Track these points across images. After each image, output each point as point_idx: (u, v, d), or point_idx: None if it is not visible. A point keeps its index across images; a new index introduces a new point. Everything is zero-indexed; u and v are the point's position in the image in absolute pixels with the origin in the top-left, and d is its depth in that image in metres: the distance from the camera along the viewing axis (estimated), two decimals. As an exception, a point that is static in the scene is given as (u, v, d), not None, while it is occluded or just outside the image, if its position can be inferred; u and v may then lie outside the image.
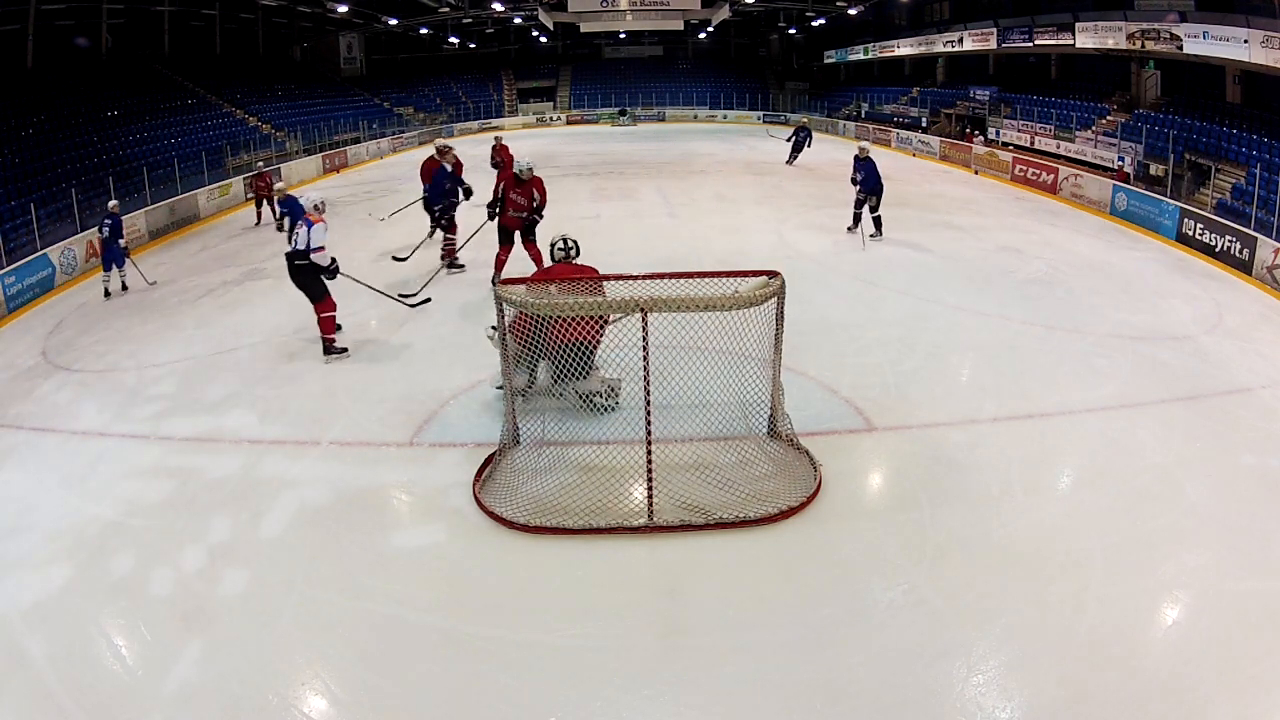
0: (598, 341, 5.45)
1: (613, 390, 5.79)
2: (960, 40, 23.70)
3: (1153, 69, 17.98)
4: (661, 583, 4.12)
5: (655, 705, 3.34)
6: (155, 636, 3.76)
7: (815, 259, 10.38)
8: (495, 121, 34.60)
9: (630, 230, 12.40)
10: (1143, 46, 16.34)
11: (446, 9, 30.31)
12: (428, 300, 8.68)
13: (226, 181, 17.05)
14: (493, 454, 5.17)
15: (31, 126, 15.74)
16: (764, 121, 33.83)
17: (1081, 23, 18.08)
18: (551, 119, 36.03)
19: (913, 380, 6.46)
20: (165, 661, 3.60)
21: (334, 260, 7.30)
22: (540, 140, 28.16)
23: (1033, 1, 20.83)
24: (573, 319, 5.12)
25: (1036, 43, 20.18)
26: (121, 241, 10.39)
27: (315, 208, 7.29)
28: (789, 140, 20.37)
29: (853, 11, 29.41)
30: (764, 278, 4.90)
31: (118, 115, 18.40)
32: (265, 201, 14.55)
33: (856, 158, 11.23)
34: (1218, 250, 10.84)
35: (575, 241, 6.27)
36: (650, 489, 4.53)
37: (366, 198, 16.92)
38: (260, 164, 15.69)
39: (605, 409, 5.70)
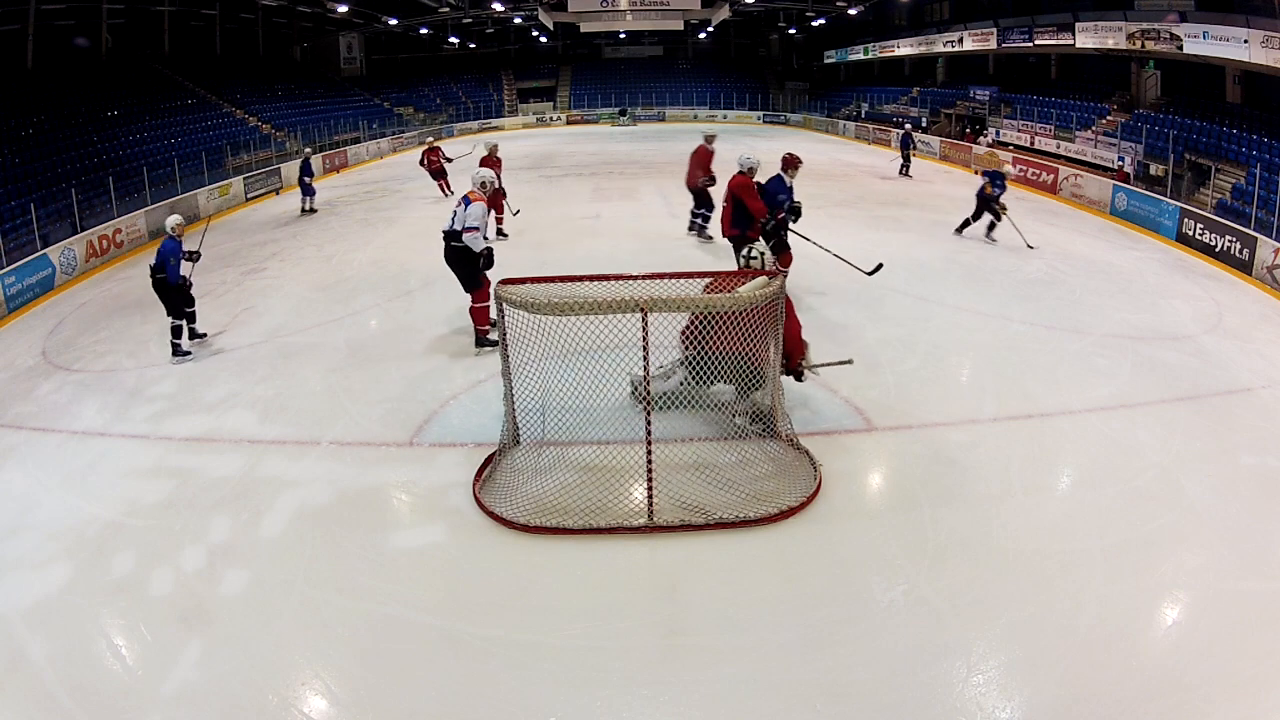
0: (751, 356, 5.00)
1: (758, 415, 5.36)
2: (960, 40, 23.71)
3: (1153, 69, 17.99)
4: (661, 583, 4.12)
5: (655, 705, 3.34)
6: (155, 636, 3.76)
7: (815, 259, 10.36)
8: (495, 121, 34.62)
9: (630, 230, 12.39)
10: (1143, 46, 16.35)
11: (446, 9, 30.33)
12: (880, 266, 8.03)
13: (226, 181, 17.06)
14: (493, 454, 5.17)
15: (31, 126, 15.75)
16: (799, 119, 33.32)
17: (1081, 23, 18.10)
18: (551, 119, 36.04)
19: (913, 380, 6.46)
20: (165, 661, 3.60)
21: (489, 248, 6.80)
22: (540, 140, 28.17)
23: (1033, 1, 20.85)
24: (734, 330, 4.83)
25: (1036, 43, 20.19)
26: (308, 179, 15.02)
27: (482, 185, 6.85)
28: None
29: (853, 11, 29.43)
30: (764, 278, 4.90)
31: (118, 115, 18.41)
32: (442, 175, 15.80)
33: (996, 174, 11.26)
34: (1218, 250, 10.85)
35: (763, 254, 5.83)
36: (650, 489, 4.52)
37: (367, 198, 16.91)
38: (429, 138, 16.23)
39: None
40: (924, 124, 24.76)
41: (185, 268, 7.44)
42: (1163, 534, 4.42)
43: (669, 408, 5.44)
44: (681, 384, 5.54)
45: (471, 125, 33.27)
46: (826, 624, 3.76)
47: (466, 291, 7.01)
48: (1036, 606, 3.83)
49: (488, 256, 6.83)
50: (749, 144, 25.99)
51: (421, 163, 16.05)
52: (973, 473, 5.05)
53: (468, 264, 6.79)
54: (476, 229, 6.63)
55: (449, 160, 16.03)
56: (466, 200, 6.73)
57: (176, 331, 7.41)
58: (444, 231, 6.85)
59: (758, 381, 5.22)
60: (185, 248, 7.50)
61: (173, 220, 7.54)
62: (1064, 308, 8.35)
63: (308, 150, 16.85)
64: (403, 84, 34.49)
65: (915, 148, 19.39)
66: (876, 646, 3.61)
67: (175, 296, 7.31)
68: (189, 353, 7.44)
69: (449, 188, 15.74)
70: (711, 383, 5.32)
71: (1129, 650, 3.56)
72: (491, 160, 11.77)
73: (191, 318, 7.61)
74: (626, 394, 4.82)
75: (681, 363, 5.47)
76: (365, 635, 3.74)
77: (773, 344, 5.06)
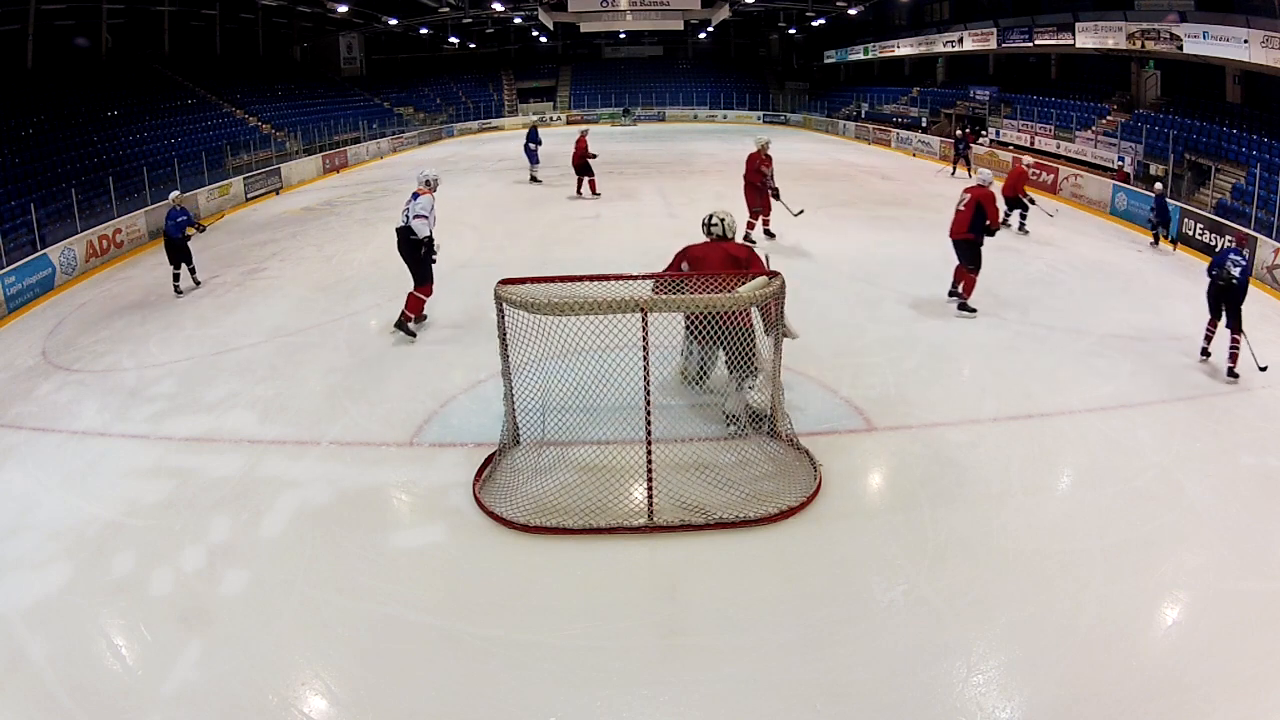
0: (738, 332, 5.03)
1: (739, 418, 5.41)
2: (960, 40, 23.71)
3: (1153, 69, 17.99)
4: (661, 583, 4.12)
5: (655, 705, 3.34)
6: (155, 636, 3.76)
7: (815, 259, 10.38)
8: (495, 121, 34.62)
9: (630, 230, 12.40)
10: (1143, 46, 16.35)
11: (446, 9, 30.32)
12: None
13: (226, 181, 17.06)
14: (493, 454, 5.17)
15: (31, 126, 15.75)
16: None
17: (1081, 23, 18.09)
18: (551, 119, 36.03)
19: (913, 380, 6.46)
20: (165, 661, 3.60)
21: (430, 237, 7.34)
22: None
23: (1033, 1, 20.84)
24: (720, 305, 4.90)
25: (1036, 43, 20.19)
26: (532, 146, 16.61)
27: (426, 182, 7.46)
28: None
29: (853, 11, 29.42)
30: (764, 278, 4.90)
31: (118, 115, 18.41)
32: (587, 171, 14.56)
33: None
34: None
35: (723, 219, 5.73)
36: (650, 489, 4.52)
37: (367, 198, 16.91)
38: (585, 129, 14.88)
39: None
40: (924, 124, 24.74)
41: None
42: (1163, 534, 4.42)
43: (700, 382, 5.71)
44: (702, 358, 5.66)
45: (471, 125, 33.28)
46: (826, 624, 3.76)
47: (415, 281, 7.51)
48: (1036, 606, 3.84)
49: (428, 244, 7.41)
50: (750, 144, 25.95)
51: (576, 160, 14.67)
52: (973, 473, 5.05)
53: (417, 256, 7.38)
54: (424, 217, 7.26)
55: (592, 156, 14.62)
56: (415, 194, 7.33)
57: (177, 277, 9.76)
58: (397, 229, 7.44)
59: (749, 350, 5.13)
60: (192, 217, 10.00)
61: (174, 194, 10.47)
62: (1064, 308, 8.35)
63: (534, 119, 17.22)
64: (403, 84, 34.48)
65: (969, 148, 19.16)
66: (876, 646, 3.61)
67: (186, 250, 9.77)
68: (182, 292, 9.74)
69: (595, 188, 14.69)
70: (712, 346, 5.38)
71: (1129, 650, 3.56)
72: (761, 157, 10.64)
73: (192, 270, 10.00)
74: (636, 391, 4.77)
75: (686, 333, 5.56)
76: (365, 635, 3.74)
77: (773, 344, 5.06)
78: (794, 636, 3.68)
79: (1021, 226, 12.11)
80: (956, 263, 8.16)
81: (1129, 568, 4.11)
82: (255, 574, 4.22)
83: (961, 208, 8.02)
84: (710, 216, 5.80)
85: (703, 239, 5.76)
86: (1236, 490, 4.86)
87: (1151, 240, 11.84)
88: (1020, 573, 4.09)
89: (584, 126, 15.22)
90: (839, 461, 5.11)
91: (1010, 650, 3.58)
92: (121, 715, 3.33)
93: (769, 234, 11.18)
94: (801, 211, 11.35)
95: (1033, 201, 12.10)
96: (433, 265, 7.55)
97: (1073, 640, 3.61)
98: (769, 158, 10.69)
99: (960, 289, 8.18)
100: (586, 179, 14.75)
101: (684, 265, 5.58)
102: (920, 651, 3.56)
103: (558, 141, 28.17)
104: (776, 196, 10.78)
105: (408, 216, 7.28)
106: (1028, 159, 12.82)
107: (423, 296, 7.58)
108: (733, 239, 5.82)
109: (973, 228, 7.88)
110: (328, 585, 4.10)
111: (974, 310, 8.01)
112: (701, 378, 5.82)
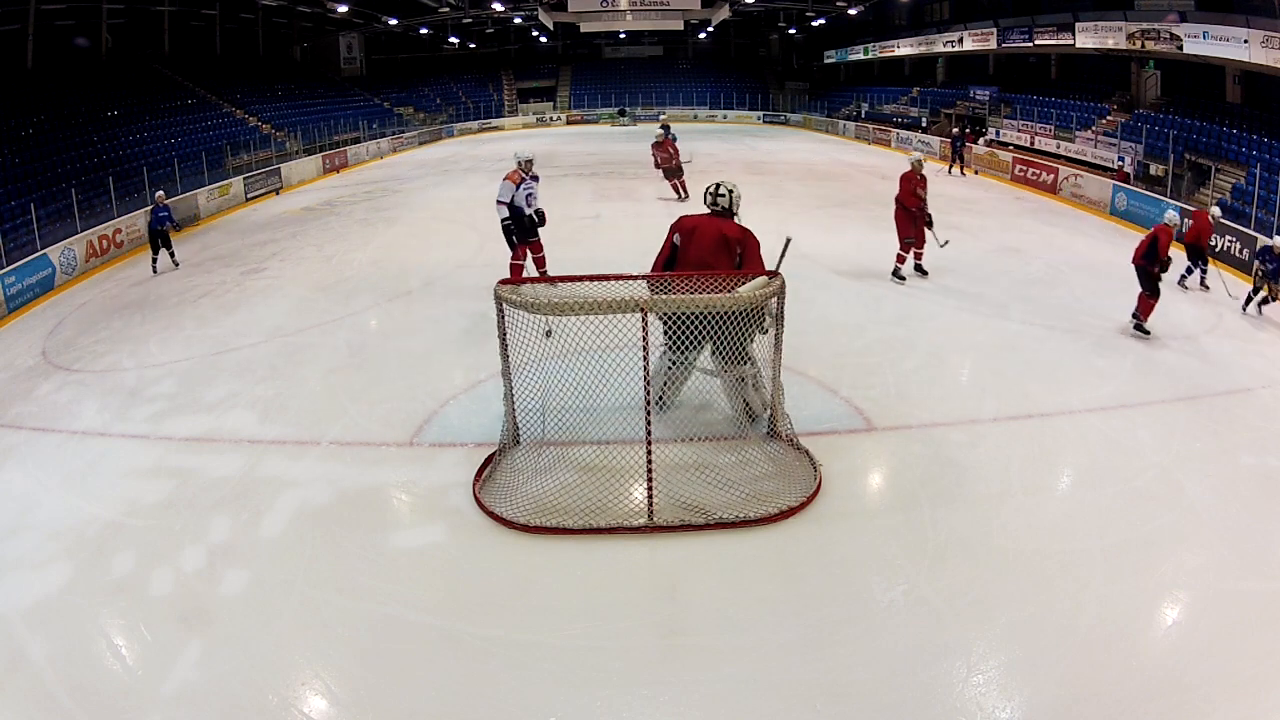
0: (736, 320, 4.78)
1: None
2: (960, 40, 23.72)
3: (1153, 69, 18.00)
4: (661, 583, 4.12)
5: (655, 705, 3.34)
6: (155, 636, 3.76)
7: (815, 259, 10.37)
8: (495, 121, 34.63)
9: (630, 230, 12.40)
10: (1143, 46, 16.36)
11: (446, 9, 30.34)
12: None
13: (226, 181, 17.07)
14: (493, 454, 5.16)
15: (31, 126, 15.76)
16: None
17: (1081, 23, 18.11)
18: (551, 119, 36.05)
19: (913, 380, 6.46)
20: (165, 661, 3.59)
21: (523, 214, 7.83)
22: (540, 140, 28.14)
23: (1033, 1, 20.85)
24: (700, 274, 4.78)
25: (1036, 43, 20.20)
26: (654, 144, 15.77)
27: (518, 164, 7.94)
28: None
29: (853, 11, 29.44)
30: (764, 278, 4.90)
31: (118, 115, 18.43)
32: (677, 174, 14.78)
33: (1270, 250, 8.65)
34: (1218, 250, 10.83)
35: (730, 191, 5.44)
36: (650, 489, 4.52)
37: (367, 198, 16.91)
38: (661, 131, 15.08)
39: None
40: (924, 124, 24.75)
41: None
42: (1163, 534, 4.41)
43: (671, 400, 5.48)
44: (672, 365, 5.32)
45: (471, 125, 33.29)
46: (826, 624, 3.75)
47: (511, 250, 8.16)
48: (1036, 606, 3.83)
49: (531, 218, 7.94)
50: (749, 144, 26.01)
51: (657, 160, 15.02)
52: (973, 473, 5.05)
53: (504, 229, 7.89)
54: (503, 202, 7.76)
55: (687, 161, 15.09)
56: (505, 177, 7.90)
57: (155, 260, 11.19)
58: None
59: (741, 335, 4.96)
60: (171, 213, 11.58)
61: (159, 194, 11.75)
62: (1064, 308, 8.35)
63: (664, 118, 18.97)
64: (403, 84, 34.50)
65: (966, 147, 19.24)
66: (876, 646, 3.61)
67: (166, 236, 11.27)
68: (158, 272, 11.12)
69: (684, 189, 14.74)
70: (693, 349, 5.12)
71: (1129, 650, 3.56)
72: (916, 178, 9.16)
73: (171, 253, 11.40)
74: (636, 391, 4.69)
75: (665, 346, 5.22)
76: (365, 635, 3.74)
77: (773, 345, 5.05)
78: (794, 636, 3.68)
79: (1202, 281, 9.59)
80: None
81: (1129, 568, 4.11)
82: (255, 574, 4.22)
83: (1144, 237, 7.96)
84: (717, 186, 5.44)
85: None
86: (1236, 490, 4.85)
87: (1252, 290, 8.70)
88: (1020, 573, 4.09)
89: (670, 135, 15.72)
90: (839, 461, 5.10)
91: (1010, 650, 3.58)
92: (121, 715, 3.33)
93: (921, 270, 9.39)
94: (947, 243, 9.61)
95: (1207, 256, 9.66)
96: (513, 236, 7.89)
97: (1073, 640, 3.61)
98: (924, 178, 9.15)
99: (1138, 310, 7.79)
100: (677, 180, 15.00)
101: (676, 238, 5.43)
102: (920, 651, 3.56)
103: (556, 141, 28.23)
104: (929, 225, 9.18)
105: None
106: (1217, 211, 9.99)
107: (518, 263, 8.04)
108: (736, 216, 5.51)
109: (1146, 256, 7.85)
110: (328, 585, 4.10)
111: (1148, 332, 7.63)
112: (672, 395, 5.50)
